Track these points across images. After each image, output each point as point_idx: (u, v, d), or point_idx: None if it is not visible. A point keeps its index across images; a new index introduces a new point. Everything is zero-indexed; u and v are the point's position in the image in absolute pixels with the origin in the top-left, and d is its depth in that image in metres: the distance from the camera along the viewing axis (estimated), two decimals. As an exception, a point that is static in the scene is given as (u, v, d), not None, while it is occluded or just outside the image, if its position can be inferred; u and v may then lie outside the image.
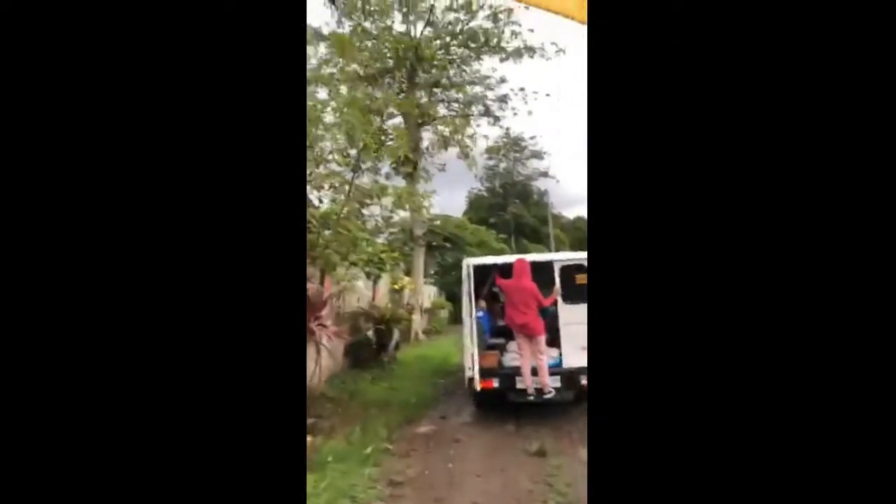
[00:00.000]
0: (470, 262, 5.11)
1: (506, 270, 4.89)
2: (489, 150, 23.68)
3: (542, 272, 4.84)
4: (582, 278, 4.76)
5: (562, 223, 28.47)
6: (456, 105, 11.10)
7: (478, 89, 11.21)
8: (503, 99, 11.31)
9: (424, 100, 10.05)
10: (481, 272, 5.13)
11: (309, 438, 3.88)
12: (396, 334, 8.11)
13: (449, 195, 27.03)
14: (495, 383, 4.68)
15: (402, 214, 8.20)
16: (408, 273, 11.67)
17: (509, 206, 24.83)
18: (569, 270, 4.83)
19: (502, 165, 26.27)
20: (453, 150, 11.13)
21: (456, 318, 13.08)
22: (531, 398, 4.56)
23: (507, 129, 14.07)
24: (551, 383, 4.48)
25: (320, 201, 6.03)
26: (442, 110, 10.92)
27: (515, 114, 11.40)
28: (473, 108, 11.35)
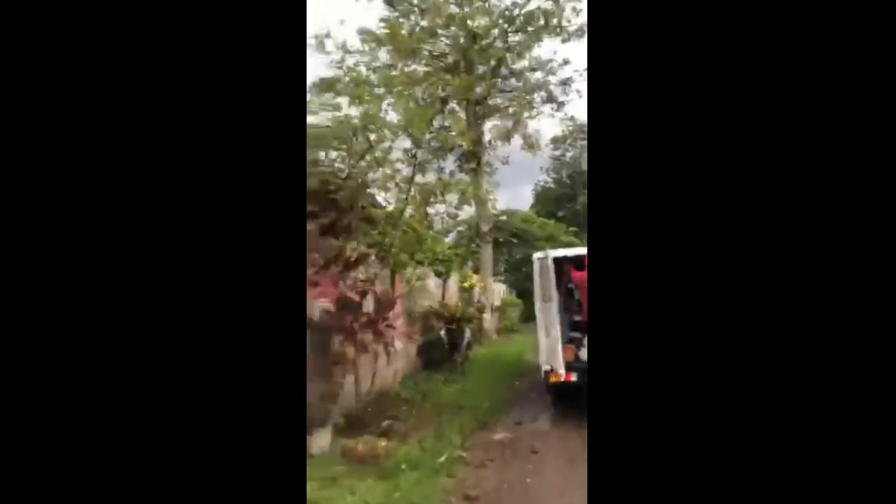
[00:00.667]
0: (548, 255, 4.98)
1: (579, 263, 4.55)
2: (554, 140, 22.79)
3: None
4: None
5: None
6: (516, 94, 10.63)
7: (539, 75, 10.70)
8: (566, 82, 10.71)
9: (484, 89, 9.69)
10: (556, 264, 4.95)
11: (383, 442, 3.82)
12: (468, 333, 7.95)
13: (514, 190, 26.49)
14: (573, 377, 4.66)
15: (468, 211, 7.99)
16: (476, 271, 11.44)
17: (579, 196, 23.61)
18: None
19: (569, 154, 25.10)
20: (516, 143, 10.71)
21: (528, 317, 12.67)
22: None
23: (572, 116, 13.14)
24: None
25: (387, 202, 5.98)
26: (503, 100, 10.52)
27: (581, 96, 10.68)
28: (536, 96, 10.83)
